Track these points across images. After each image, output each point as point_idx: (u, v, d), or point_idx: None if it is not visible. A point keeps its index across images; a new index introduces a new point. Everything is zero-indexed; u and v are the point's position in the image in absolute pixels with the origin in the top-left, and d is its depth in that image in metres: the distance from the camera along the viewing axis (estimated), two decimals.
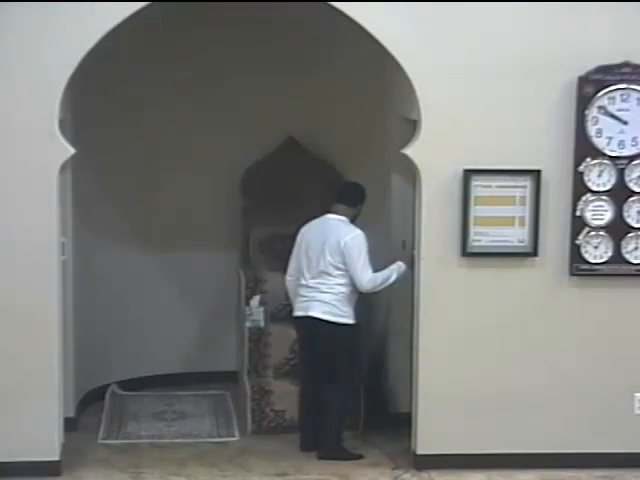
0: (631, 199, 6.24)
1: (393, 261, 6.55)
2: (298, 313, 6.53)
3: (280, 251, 7.63)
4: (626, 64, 6.12)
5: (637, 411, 6.39)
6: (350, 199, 6.54)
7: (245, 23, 7.45)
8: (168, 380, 7.99)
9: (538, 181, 6.18)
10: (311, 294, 6.44)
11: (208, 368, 8.04)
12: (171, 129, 7.70)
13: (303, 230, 6.60)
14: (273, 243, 7.66)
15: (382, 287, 6.43)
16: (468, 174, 6.14)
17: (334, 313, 6.37)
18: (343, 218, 6.50)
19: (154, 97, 7.57)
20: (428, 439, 6.35)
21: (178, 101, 7.61)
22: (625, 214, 6.24)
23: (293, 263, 6.61)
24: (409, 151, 6.18)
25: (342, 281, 6.38)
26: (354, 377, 6.67)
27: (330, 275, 6.38)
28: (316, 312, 6.40)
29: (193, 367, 8.09)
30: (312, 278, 6.45)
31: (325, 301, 6.38)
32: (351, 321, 6.42)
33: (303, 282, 6.49)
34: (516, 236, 6.24)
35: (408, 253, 6.62)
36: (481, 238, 6.22)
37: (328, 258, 6.37)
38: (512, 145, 6.18)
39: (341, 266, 6.36)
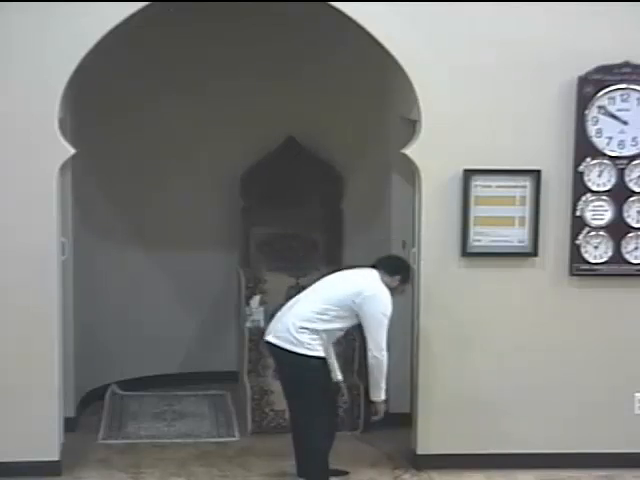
0: (631, 199, 6.24)
1: None
2: None
3: (280, 251, 7.66)
4: (626, 64, 6.12)
5: (637, 411, 6.40)
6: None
7: (245, 23, 7.45)
8: (168, 380, 7.99)
9: (538, 181, 6.18)
10: None
11: (208, 368, 8.04)
12: (171, 129, 7.70)
13: None
14: (273, 243, 7.67)
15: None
16: (468, 174, 6.15)
17: None
18: None
19: (154, 97, 7.57)
20: (428, 439, 6.35)
21: (178, 101, 7.61)
22: (625, 214, 6.25)
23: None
24: (409, 151, 6.18)
25: None
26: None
27: None
28: None
29: (193, 367, 8.09)
30: None
31: None
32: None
33: None
34: (516, 236, 6.25)
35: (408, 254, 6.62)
36: (481, 238, 6.22)
37: None
38: (512, 145, 6.18)
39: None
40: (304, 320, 5.84)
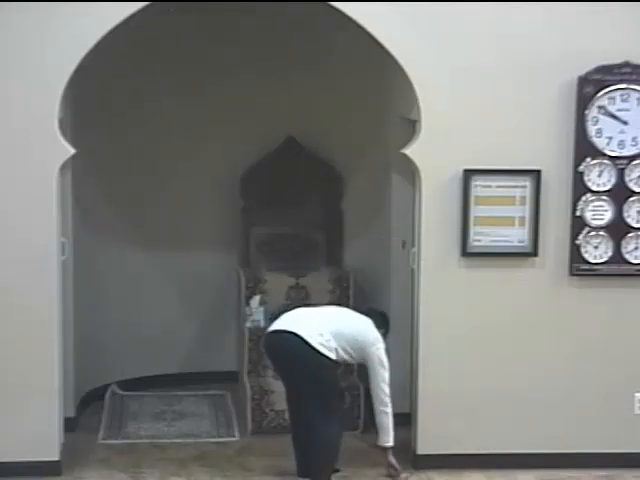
0: (631, 199, 6.25)
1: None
2: None
3: (280, 251, 7.65)
4: (626, 64, 6.13)
5: (637, 411, 6.40)
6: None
7: (245, 23, 7.45)
8: (168, 380, 7.99)
9: (538, 181, 6.18)
10: None
11: (208, 368, 8.04)
12: (171, 129, 7.70)
13: None
14: (273, 243, 7.67)
15: None
16: (468, 174, 6.15)
17: None
18: None
19: (154, 97, 7.57)
20: (428, 439, 6.36)
21: (178, 101, 7.61)
22: (625, 214, 6.25)
23: None
24: (409, 151, 6.18)
25: None
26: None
27: None
28: None
29: (193, 367, 8.09)
30: None
31: None
32: None
33: None
34: (516, 236, 6.25)
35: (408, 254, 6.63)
36: (481, 238, 6.22)
37: None
38: (512, 145, 6.18)
39: None
40: (332, 338, 5.99)
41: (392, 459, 6.22)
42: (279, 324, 6.11)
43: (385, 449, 6.20)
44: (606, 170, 6.21)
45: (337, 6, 5.96)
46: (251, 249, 7.70)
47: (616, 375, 6.36)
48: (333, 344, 5.98)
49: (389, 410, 6.12)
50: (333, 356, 5.98)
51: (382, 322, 6.27)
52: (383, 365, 6.08)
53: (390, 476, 6.26)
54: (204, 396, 7.87)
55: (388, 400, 6.11)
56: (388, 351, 6.20)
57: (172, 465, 6.46)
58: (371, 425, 6.88)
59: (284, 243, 7.68)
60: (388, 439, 6.15)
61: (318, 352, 5.92)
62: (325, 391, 5.99)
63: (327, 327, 6.01)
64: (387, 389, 6.10)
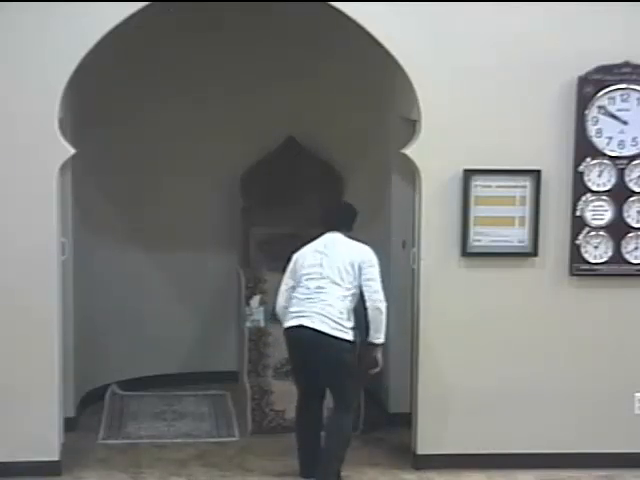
0: (631, 199, 6.25)
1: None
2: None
3: (280, 251, 7.64)
4: (626, 64, 6.13)
5: (637, 411, 6.40)
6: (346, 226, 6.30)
7: (245, 23, 7.45)
8: (168, 380, 7.99)
9: (538, 181, 6.18)
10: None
11: (208, 368, 8.04)
12: (171, 129, 7.70)
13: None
14: (273, 243, 7.66)
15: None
16: (468, 174, 6.15)
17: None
18: None
19: (154, 97, 7.57)
20: (428, 439, 6.35)
21: (178, 101, 7.61)
22: (625, 214, 6.25)
23: None
24: (409, 151, 6.19)
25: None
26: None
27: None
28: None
29: (193, 367, 8.09)
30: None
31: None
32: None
33: None
34: (516, 236, 6.25)
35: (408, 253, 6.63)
36: (481, 238, 6.22)
37: None
38: (512, 145, 6.18)
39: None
40: (340, 302, 5.95)
41: (379, 355, 6.07)
42: (297, 320, 6.00)
43: (375, 345, 6.05)
44: (606, 170, 6.21)
45: (337, 6, 5.96)
46: (251, 249, 7.70)
47: (616, 375, 6.36)
48: (346, 310, 5.93)
49: (383, 306, 5.98)
50: (350, 337, 5.94)
51: (353, 219, 6.28)
52: (375, 265, 6.01)
53: (368, 369, 6.13)
54: (204, 396, 7.87)
55: (382, 297, 5.98)
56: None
57: (172, 465, 6.46)
58: (371, 425, 6.89)
59: (284, 243, 7.67)
60: (380, 335, 6.02)
61: (334, 337, 5.88)
62: (344, 379, 5.94)
63: (338, 297, 5.94)
64: (380, 286, 5.99)
